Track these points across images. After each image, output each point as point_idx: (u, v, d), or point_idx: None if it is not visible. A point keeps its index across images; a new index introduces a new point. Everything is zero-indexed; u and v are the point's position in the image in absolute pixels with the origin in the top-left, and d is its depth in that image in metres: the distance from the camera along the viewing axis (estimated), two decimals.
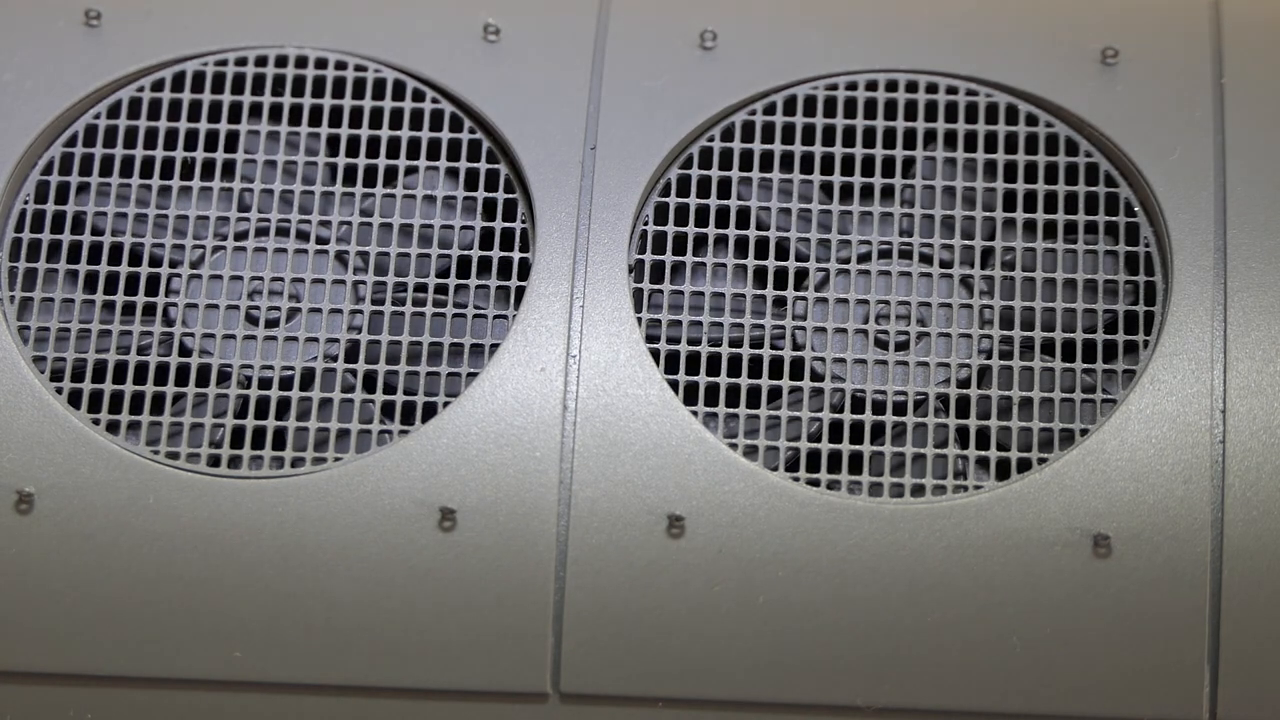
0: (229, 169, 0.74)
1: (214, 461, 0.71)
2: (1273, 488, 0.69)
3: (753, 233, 0.73)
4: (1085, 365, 0.72)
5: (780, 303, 0.72)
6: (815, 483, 0.70)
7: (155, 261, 0.73)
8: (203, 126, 0.74)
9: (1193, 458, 0.70)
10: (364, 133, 0.74)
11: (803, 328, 0.72)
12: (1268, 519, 0.69)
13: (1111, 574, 0.69)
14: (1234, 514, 0.69)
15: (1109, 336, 0.72)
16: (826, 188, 0.74)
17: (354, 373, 0.72)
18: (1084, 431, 0.71)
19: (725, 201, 0.73)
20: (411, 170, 0.74)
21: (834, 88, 0.75)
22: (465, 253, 0.73)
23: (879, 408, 0.71)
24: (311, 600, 0.69)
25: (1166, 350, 0.71)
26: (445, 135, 0.74)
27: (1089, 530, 0.69)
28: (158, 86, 0.75)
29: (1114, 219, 0.73)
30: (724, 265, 0.73)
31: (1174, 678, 0.68)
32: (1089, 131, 0.74)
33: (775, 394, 0.72)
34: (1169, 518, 0.69)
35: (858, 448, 0.71)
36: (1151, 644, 0.68)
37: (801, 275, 0.73)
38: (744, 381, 0.71)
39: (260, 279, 0.73)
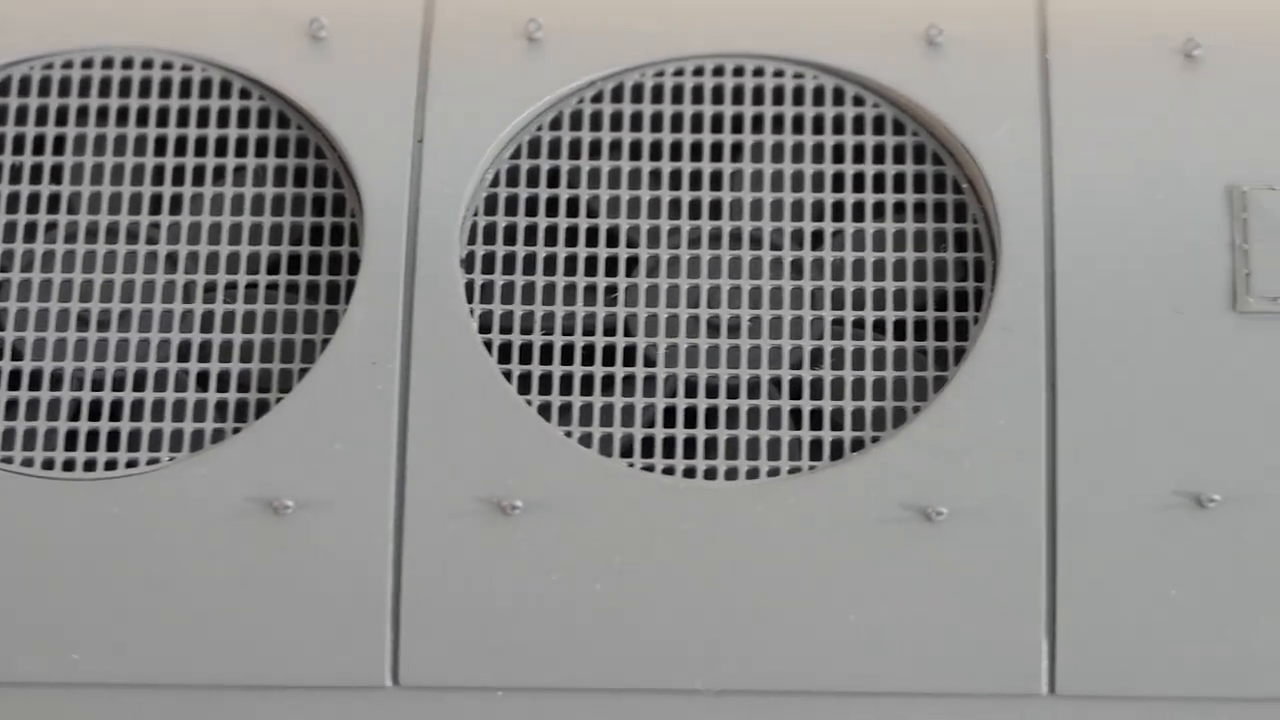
0: (56, 172, 0.74)
1: (48, 464, 0.70)
2: (1104, 460, 0.70)
3: (583, 221, 0.73)
4: (916, 344, 0.72)
5: (612, 290, 0.73)
6: (650, 468, 0.70)
7: None
8: (29, 130, 0.74)
9: (1025, 432, 0.70)
10: (191, 132, 0.74)
11: (635, 314, 0.72)
12: (1099, 491, 0.69)
13: (948, 549, 0.69)
14: (1067, 487, 0.70)
15: (939, 314, 0.72)
16: (656, 174, 0.74)
17: (186, 372, 0.72)
18: (916, 409, 0.71)
19: (555, 191, 0.74)
20: (239, 168, 0.74)
21: (661, 74, 0.75)
22: (295, 249, 0.73)
23: (712, 391, 0.72)
24: (149, 599, 0.69)
25: (996, 326, 0.71)
26: (273, 132, 0.74)
27: (924, 507, 0.69)
28: None
29: (942, 197, 0.74)
30: (555, 254, 0.73)
31: (1012, 651, 0.69)
32: (915, 111, 0.74)
33: (609, 381, 0.72)
34: (1003, 492, 0.69)
35: (692, 431, 0.71)
36: (989, 618, 0.69)
37: (633, 262, 0.73)
38: (578, 369, 0.72)
39: (92, 281, 0.73)
